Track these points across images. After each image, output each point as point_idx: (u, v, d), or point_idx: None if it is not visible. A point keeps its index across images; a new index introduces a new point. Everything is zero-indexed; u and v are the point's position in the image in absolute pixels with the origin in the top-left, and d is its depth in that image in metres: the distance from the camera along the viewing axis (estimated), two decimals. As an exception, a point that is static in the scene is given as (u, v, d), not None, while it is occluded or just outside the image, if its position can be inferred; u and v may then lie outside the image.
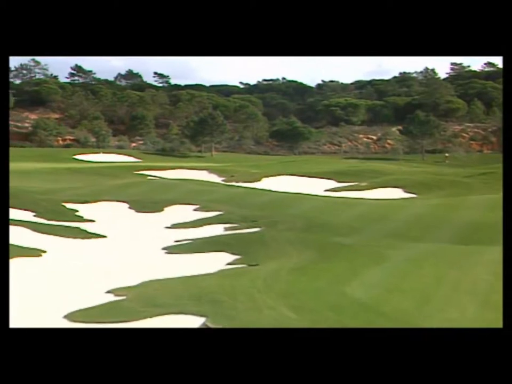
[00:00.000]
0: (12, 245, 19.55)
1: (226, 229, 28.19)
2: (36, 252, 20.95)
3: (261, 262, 19.90)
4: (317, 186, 53.30)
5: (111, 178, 54.16)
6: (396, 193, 49.42)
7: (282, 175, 60.79)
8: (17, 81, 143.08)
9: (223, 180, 59.04)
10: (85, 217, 31.68)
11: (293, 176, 60.20)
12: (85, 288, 16.27)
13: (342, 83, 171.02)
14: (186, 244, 24.02)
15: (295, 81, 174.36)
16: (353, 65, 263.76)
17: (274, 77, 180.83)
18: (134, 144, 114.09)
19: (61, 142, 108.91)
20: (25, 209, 31.77)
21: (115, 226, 29.31)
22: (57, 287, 16.58)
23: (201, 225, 29.53)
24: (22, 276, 16.76)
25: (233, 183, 55.68)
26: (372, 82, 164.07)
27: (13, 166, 59.52)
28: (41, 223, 28.07)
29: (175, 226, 29.81)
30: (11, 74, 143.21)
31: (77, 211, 33.02)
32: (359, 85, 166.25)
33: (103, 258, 21.42)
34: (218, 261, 20.33)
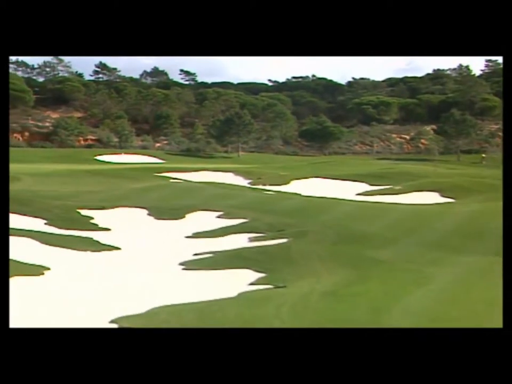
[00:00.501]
0: (13, 260, 17.96)
1: (250, 239, 26.54)
2: (37, 270, 19.20)
3: (288, 282, 18.06)
4: (348, 190, 51.65)
5: (132, 181, 52.68)
6: (432, 197, 47.43)
7: (312, 177, 59.05)
8: (41, 79, 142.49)
9: (249, 183, 57.47)
10: (100, 225, 30.22)
11: (323, 178, 58.46)
12: (86, 317, 14.52)
13: (373, 80, 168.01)
14: (206, 258, 22.27)
15: (325, 79, 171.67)
16: (383, 62, 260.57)
17: (303, 74, 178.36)
18: (158, 144, 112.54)
19: (82, 142, 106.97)
20: (36, 217, 30.50)
21: (131, 236, 27.75)
22: (54, 314, 14.84)
23: (224, 235, 27.97)
24: (16, 300, 15.02)
25: (260, 186, 54.17)
26: (404, 80, 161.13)
27: (31, 167, 58.93)
28: (50, 233, 26.53)
29: (196, 235, 28.23)
30: (34, 72, 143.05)
31: (92, 218, 31.54)
32: (391, 83, 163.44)
33: (113, 276, 19.72)
34: (240, 280, 18.53)
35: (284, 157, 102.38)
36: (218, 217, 32.22)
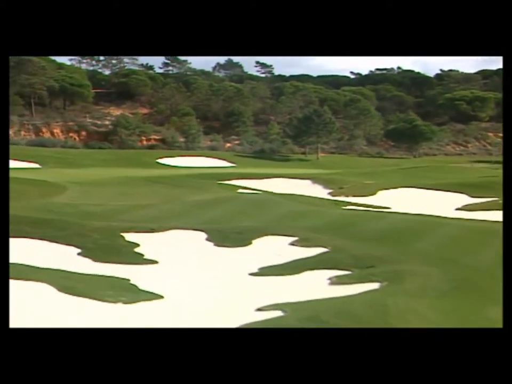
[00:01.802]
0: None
1: (331, 281, 22.04)
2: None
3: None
4: (446, 203, 47.18)
5: (194, 191, 48.93)
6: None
7: (402, 187, 54.51)
8: (106, 72, 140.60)
9: (329, 193, 53.58)
10: (146, 255, 26.18)
11: (415, 188, 53.61)
12: None
13: (464, 73, 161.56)
14: (271, 320, 17.42)
15: (412, 71, 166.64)
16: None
17: (388, 66, 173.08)
18: (228, 145, 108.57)
19: (144, 143, 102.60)
20: (70, 244, 26.70)
21: (181, 274, 23.42)
22: None
23: (297, 272, 23.63)
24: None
25: (342, 198, 49.88)
26: (498, 72, 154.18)
27: (82, 173, 55.22)
28: (77, 274, 22.22)
29: (262, 272, 23.84)
30: (100, 64, 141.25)
31: (138, 245, 27.47)
32: (484, 75, 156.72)
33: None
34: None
35: (368, 159, 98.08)
36: (292, 244, 28.03)
